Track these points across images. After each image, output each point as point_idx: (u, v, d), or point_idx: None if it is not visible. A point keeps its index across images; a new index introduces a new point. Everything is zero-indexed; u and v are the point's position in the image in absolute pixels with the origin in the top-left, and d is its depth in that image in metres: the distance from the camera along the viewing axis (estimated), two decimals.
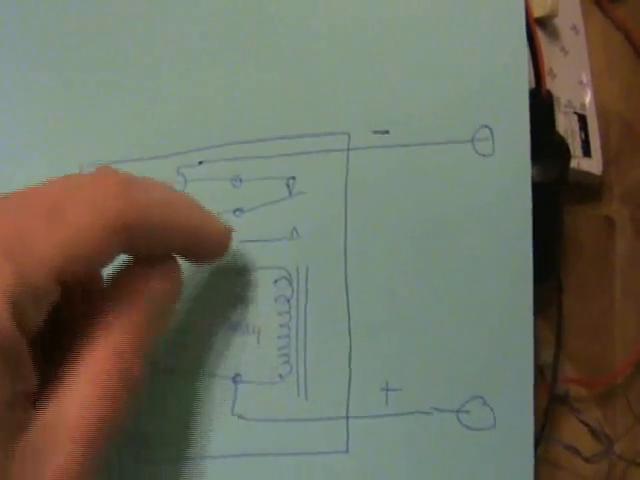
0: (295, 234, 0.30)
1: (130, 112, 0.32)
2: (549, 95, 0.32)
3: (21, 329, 0.21)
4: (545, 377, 0.35)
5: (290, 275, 0.29)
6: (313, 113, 0.30)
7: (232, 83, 0.31)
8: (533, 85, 0.32)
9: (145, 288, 0.25)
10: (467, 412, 0.28)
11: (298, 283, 0.29)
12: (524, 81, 0.29)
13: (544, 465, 0.35)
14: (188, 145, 0.31)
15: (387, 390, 0.29)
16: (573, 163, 0.37)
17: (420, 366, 0.29)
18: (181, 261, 0.26)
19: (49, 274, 0.21)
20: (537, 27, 0.37)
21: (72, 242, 0.22)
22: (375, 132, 0.30)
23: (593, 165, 0.37)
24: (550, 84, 0.37)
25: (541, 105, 0.32)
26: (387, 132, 0.29)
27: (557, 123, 0.36)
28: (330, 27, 0.31)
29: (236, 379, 0.30)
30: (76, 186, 0.23)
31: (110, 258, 0.24)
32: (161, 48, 0.32)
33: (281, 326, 0.29)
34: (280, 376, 0.29)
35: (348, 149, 0.30)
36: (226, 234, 0.27)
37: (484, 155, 0.29)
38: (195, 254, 0.27)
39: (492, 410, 0.28)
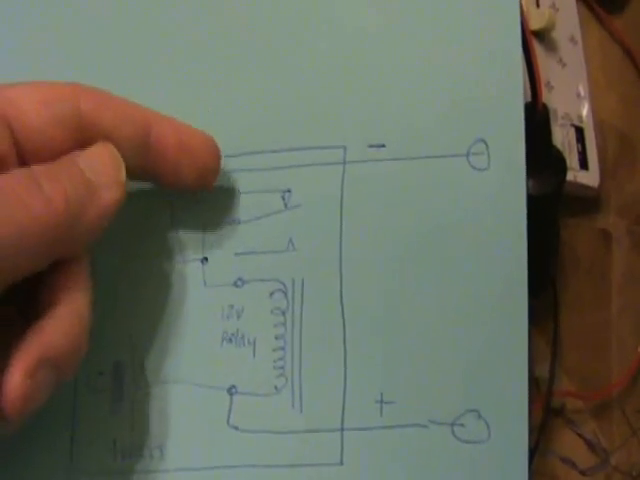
0: (291, 246, 0.30)
1: None
2: (545, 108, 0.32)
3: None
4: (541, 390, 0.35)
5: (286, 287, 0.29)
6: (309, 126, 0.30)
7: (228, 96, 0.31)
8: (529, 98, 0.32)
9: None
10: (462, 425, 0.28)
11: (294, 295, 0.29)
12: (519, 95, 0.29)
13: (540, 478, 0.35)
14: None
15: (382, 402, 0.29)
16: (570, 176, 0.37)
17: (415, 379, 0.29)
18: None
19: None
20: (534, 40, 0.37)
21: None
22: (371, 146, 0.30)
23: (590, 178, 0.37)
24: (547, 96, 0.37)
25: (537, 118, 0.32)
26: (383, 146, 0.29)
27: (554, 136, 0.36)
28: (327, 41, 0.31)
29: (231, 390, 0.30)
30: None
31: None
32: (157, 61, 0.32)
33: (276, 338, 0.29)
34: (275, 388, 0.29)
35: (344, 162, 0.30)
36: (212, 143, 0.28)
37: (479, 169, 0.29)
38: (185, 172, 0.27)
39: (487, 423, 0.28)
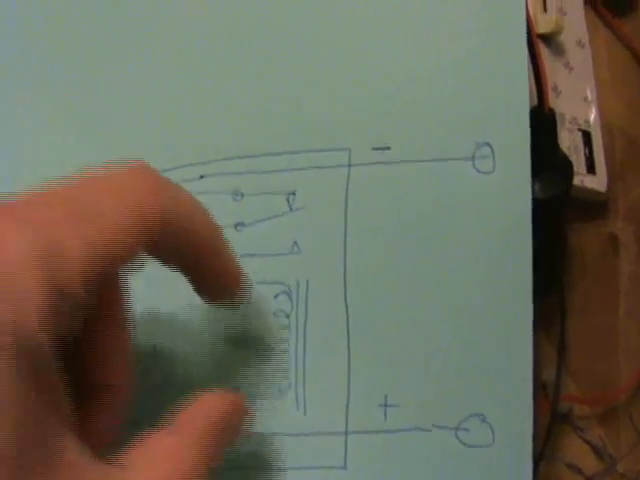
0: (295, 249, 0.30)
1: (131, 125, 0.32)
2: (552, 112, 0.32)
3: (50, 336, 0.20)
4: (548, 394, 0.35)
5: (290, 290, 0.29)
6: (314, 129, 0.30)
7: (233, 98, 0.31)
8: (535, 102, 0.32)
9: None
10: (466, 430, 0.28)
11: (298, 298, 0.29)
12: (525, 99, 0.29)
13: None
14: (189, 159, 0.31)
15: (386, 406, 0.29)
16: (577, 180, 0.36)
17: (419, 382, 0.29)
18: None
19: (81, 276, 0.21)
20: (541, 43, 0.37)
21: (104, 241, 0.21)
22: (376, 148, 0.30)
23: (597, 182, 0.37)
24: (554, 101, 0.37)
25: (544, 122, 0.32)
26: (388, 148, 0.29)
27: (561, 140, 0.36)
28: (332, 44, 0.31)
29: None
30: (113, 183, 0.23)
31: (135, 255, 0.23)
32: (162, 62, 0.32)
33: (280, 341, 0.29)
34: (279, 390, 0.29)
35: (349, 165, 0.30)
36: (241, 274, 0.27)
37: (484, 173, 0.29)
38: (209, 281, 0.26)
39: (491, 428, 0.28)
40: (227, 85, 0.31)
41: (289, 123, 0.30)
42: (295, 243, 0.30)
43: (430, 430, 0.28)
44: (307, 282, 0.29)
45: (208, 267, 0.26)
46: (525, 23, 0.29)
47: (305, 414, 0.29)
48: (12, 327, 0.19)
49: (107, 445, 0.24)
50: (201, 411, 0.25)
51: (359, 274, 0.29)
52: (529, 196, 0.28)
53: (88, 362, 0.24)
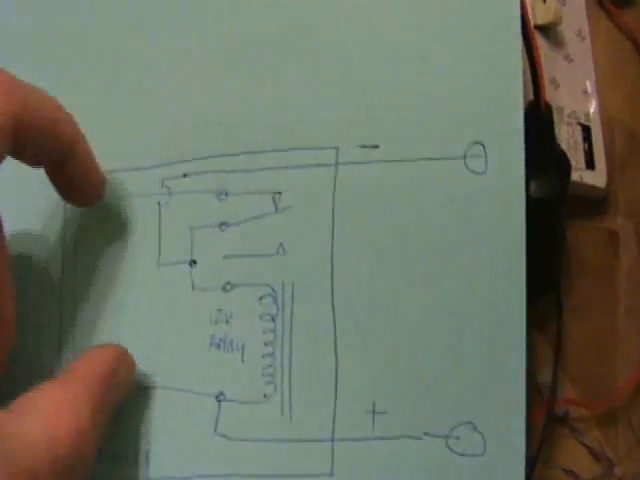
0: (281, 250, 0.29)
1: (115, 122, 0.31)
2: (548, 107, 0.31)
3: None
4: (544, 397, 0.34)
5: (275, 292, 0.29)
6: (301, 126, 0.29)
7: (218, 95, 0.30)
8: (532, 97, 0.31)
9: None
10: (457, 438, 0.27)
11: (284, 300, 0.29)
12: (519, 97, 0.27)
13: None
14: (173, 157, 0.30)
15: (374, 412, 0.28)
16: (576, 176, 0.35)
17: (408, 388, 0.28)
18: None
19: None
20: (539, 35, 0.36)
21: None
22: (364, 147, 0.29)
23: (597, 178, 0.36)
24: (553, 94, 0.35)
25: (540, 118, 0.31)
26: (377, 147, 0.28)
27: (559, 135, 0.35)
28: (320, 41, 0.30)
29: (219, 397, 0.29)
30: None
31: None
32: (146, 58, 0.31)
33: (266, 344, 0.29)
34: (264, 395, 0.28)
35: (336, 164, 0.29)
36: (103, 180, 0.29)
37: (476, 172, 0.28)
38: (72, 185, 0.28)
39: (482, 436, 0.27)
40: (211, 82, 0.30)
41: (275, 120, 0.29)
42: (281, 244, 0.29)
43: (420, 438, 0.27)
44: (293, 284, 0.29)
45: (71, 171, 0.27)
46: (519, 18, 0.28)
47: (291, 420, 0.28)
48: None
49: None
50: (90, 363, 0.26)
51: (347, 276, 0.28)
52: (523, 197, 0.27)
53: None
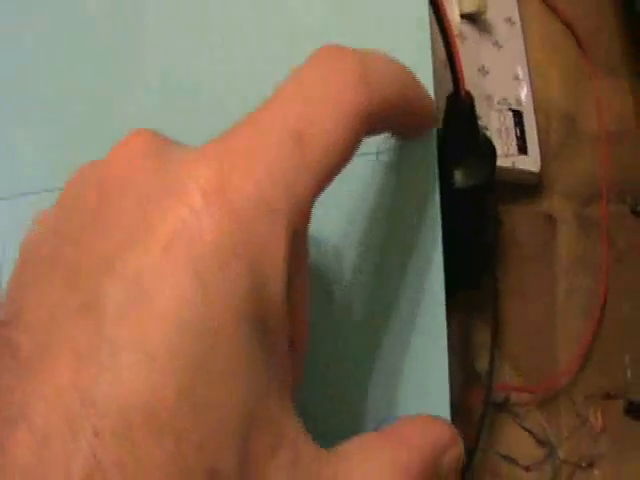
0: None
1: (106, 120, 0.30)
2: (469, 96, 0.31)
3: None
4: (484, 384, 0.34)
5: None
6: None
7: (208, 92, 0.30)
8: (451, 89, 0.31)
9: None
10: None
11: None
12: (429, 88, 0.27)
13: (482, 476, 0.34)
14: None
15: None
16: (508, 162, 0.36)
17: (322, 390, 0.27)
18: None
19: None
20: (466, 23, 0.36)
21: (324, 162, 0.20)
22: None
23: (530, 162, 0.36)
24: (481, 82, 0.36)
25: (461, 108, 0.31)
26: None
27: (489, 122, 0.35)
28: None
29: None
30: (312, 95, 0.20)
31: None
32: (140, 59, 0.31)
33: None
34: None
35: None
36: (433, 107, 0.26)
37: (389, 166, 0.28)
38: (408, 127, 0.26)
39: None
40: (185, 80, 0.30)
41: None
42: None
43: None
44: None
45: (409, 120, 0.25)
46: (427, 16, 0.28)
47: None
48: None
49: None
50: (421, 432, 0.22)
51: None
52: (437, 188, 0.27)
53: None
